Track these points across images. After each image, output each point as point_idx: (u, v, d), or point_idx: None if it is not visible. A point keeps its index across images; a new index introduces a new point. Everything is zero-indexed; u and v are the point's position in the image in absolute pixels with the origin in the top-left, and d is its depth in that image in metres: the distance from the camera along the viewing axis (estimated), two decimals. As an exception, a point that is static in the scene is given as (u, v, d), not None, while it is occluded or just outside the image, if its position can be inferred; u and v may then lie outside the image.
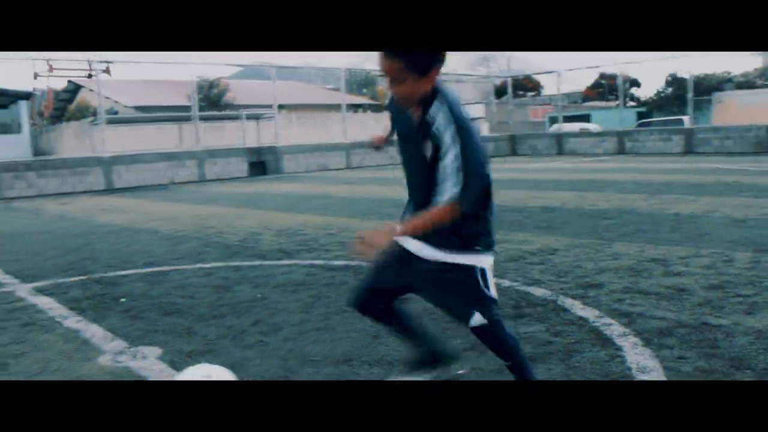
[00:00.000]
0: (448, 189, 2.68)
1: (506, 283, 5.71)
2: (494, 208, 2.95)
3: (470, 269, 2.93)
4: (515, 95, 47.18)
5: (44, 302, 5.86)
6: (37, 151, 33.08)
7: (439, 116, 2.73)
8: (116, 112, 35.17)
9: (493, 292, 2.97)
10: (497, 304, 2.99)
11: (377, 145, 3.69)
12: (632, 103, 55.81)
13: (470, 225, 2.88)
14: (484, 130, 40.97)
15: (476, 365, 3.77)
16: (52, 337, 4.79)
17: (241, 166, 24.76)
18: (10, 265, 7.71)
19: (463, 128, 2.72)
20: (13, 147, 29.56)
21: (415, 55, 2.67)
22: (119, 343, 4.51)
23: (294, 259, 7.28)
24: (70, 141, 33.52)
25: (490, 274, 2.98)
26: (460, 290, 2.96)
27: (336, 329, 4.56)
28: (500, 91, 41.71)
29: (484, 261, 2.95)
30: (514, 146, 33.65)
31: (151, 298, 5.78)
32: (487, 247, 2.95)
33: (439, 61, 2.74)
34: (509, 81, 38.53)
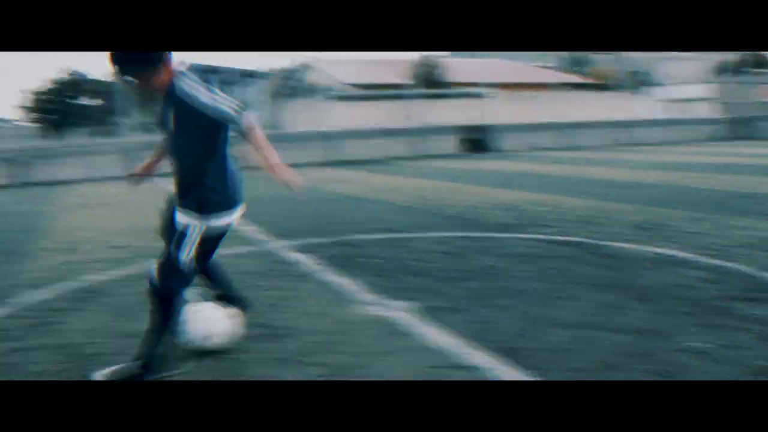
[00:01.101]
0: (242, 116, 3.37)
1: (735, 266, 5.70)
2: None
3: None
4: (739, 72, 43.94)
5: (299, 258, 6.68)
6: (267, 126, 35.81)
7: (185, 90, 3.32)
8: (335, 90, 37.16)
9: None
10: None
11: (137, 178, 4.06)
12: None
13: None
14: (704, 110, 38.64)
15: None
16: (312, 287, 5.51)
17: (454, 143, 25.42)
18: (266, 225, 8.75)
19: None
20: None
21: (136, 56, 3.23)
22: (371, 296, 5.11)
23: (516, 232, 7.63)
24: (296, 116, 35.95)
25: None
26: None
27: (573, 297, 4.87)
28: (722, 69, 39.01)
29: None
30: (737, 129, 31.49)
31: (392, 260, 6.40)
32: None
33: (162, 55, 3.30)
34: (739, 59, 36.01)
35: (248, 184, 4.20)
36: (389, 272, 5.89)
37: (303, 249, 7.10)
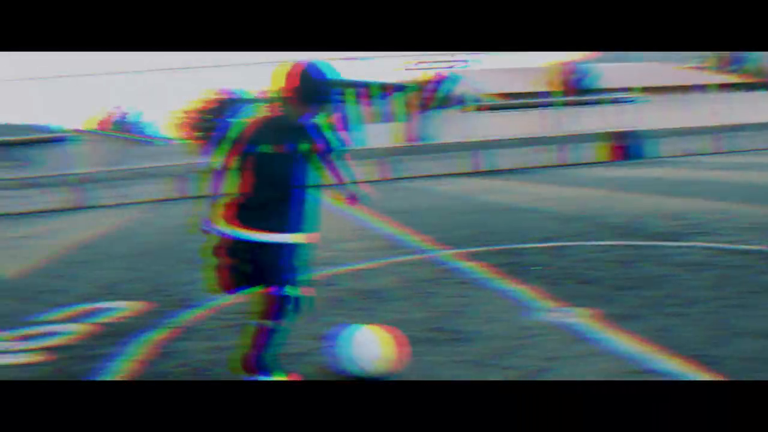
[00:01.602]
0: None
1: None
2: None
3: None
4: None
5: (469, 266, 6.90)
6: (411, 138, 36.38)
7: None
8: (480, 100, 37.25)
9: None
10: None
11: None
12: None
13: None
14: None
15: None
16: (486, 294, 5.70)
17: (602, 151, 24.88)
18: (429, 234, 9.06)
19: None
20: (391, 134, 32.90)
21: None
22: (545, 303, 5.24)
23: (688, 241, 7.48)
24: (440, 128, 36.32)
25: None
26: None
27: (753, 307, 4.77)
28: None
29: None
30: None
31: (560, 268, 6.48)
32: None
33: None
34: None
35: (405, 196, 4.44)
36: (558, 280, 5.98)
37: (470, 257, 7.32)
